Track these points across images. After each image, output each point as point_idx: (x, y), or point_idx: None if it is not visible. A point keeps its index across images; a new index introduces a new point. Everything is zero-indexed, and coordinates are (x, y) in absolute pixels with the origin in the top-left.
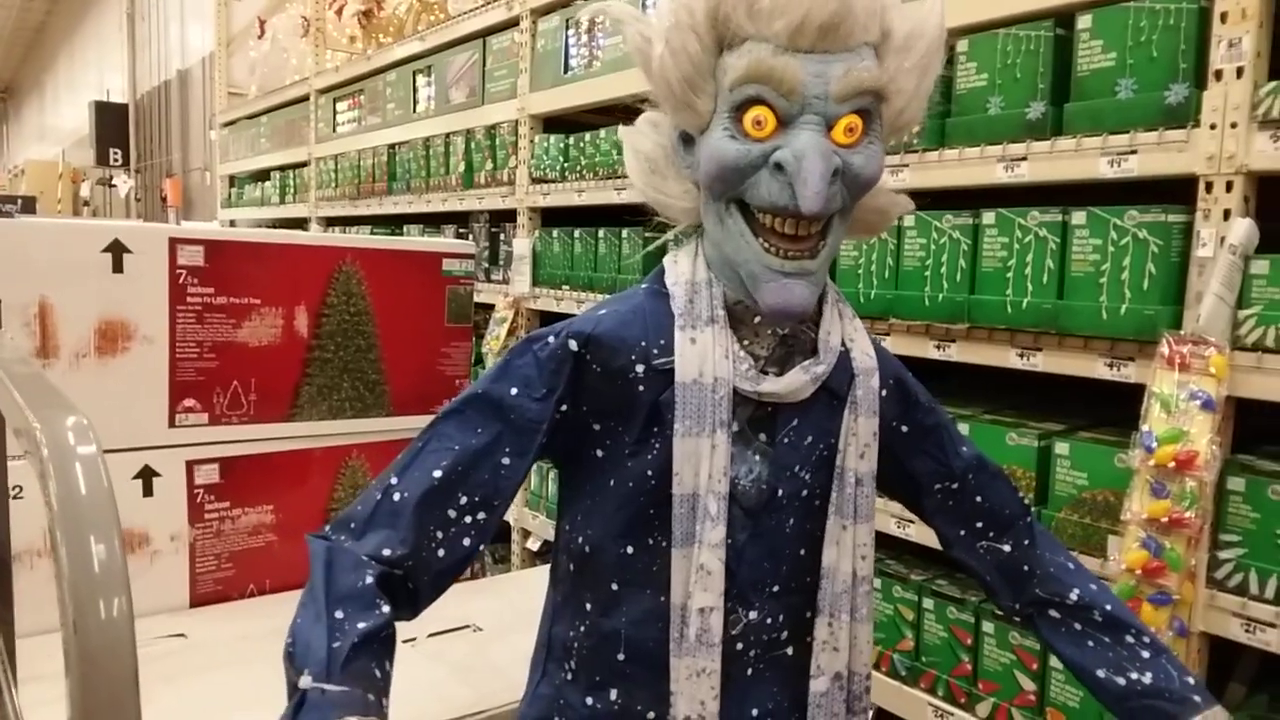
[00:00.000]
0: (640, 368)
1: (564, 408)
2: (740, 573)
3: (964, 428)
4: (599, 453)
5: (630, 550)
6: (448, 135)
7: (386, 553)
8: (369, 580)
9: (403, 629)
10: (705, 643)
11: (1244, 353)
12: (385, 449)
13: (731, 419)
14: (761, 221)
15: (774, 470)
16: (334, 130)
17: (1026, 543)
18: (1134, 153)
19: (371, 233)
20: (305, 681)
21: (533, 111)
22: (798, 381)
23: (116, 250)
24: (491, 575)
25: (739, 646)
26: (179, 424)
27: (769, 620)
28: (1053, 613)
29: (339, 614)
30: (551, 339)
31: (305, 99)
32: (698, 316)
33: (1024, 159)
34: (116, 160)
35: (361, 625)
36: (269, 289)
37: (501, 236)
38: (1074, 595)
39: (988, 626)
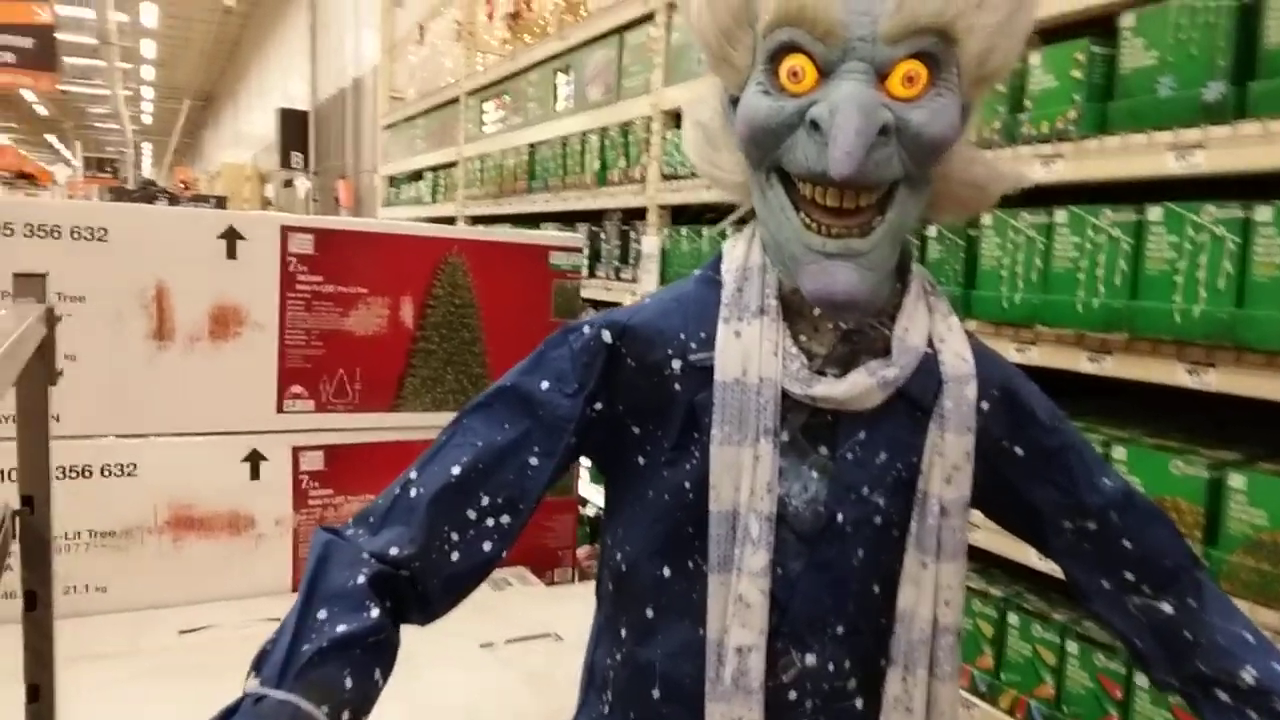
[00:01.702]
0: (677, 363)
1: (598, 405)
2: (793, 608)
3: (1120, 453)
4: (640, 459)
5: (667, 573)
6: (584, 133)
7: (394, 551)
8: (360, 580)
9: (481, 632)
10: (743, 688)
11: None
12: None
13: (780, 426)
14: (803, 193)
15: (834, 490)
16: (481, 130)
17: (1192, 603)
18: None
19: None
20: (250, 685)
21: (665, 107)
22: (861, 385)
23: (231, 237)
24: (583, 581)
25: (792, 695)
26: (286, 410)
27: (832, 666)
28: (1221, 695)
29: (321, 614)
30: (587, 329)
31: (456, 101)
32: (745, 307)
33: (1199, 146)
34: (298, 164)
35: (341, 628)
36: (376, 278)
37: (632, 235)
38: (1250, 676)
39: (1142, 680)
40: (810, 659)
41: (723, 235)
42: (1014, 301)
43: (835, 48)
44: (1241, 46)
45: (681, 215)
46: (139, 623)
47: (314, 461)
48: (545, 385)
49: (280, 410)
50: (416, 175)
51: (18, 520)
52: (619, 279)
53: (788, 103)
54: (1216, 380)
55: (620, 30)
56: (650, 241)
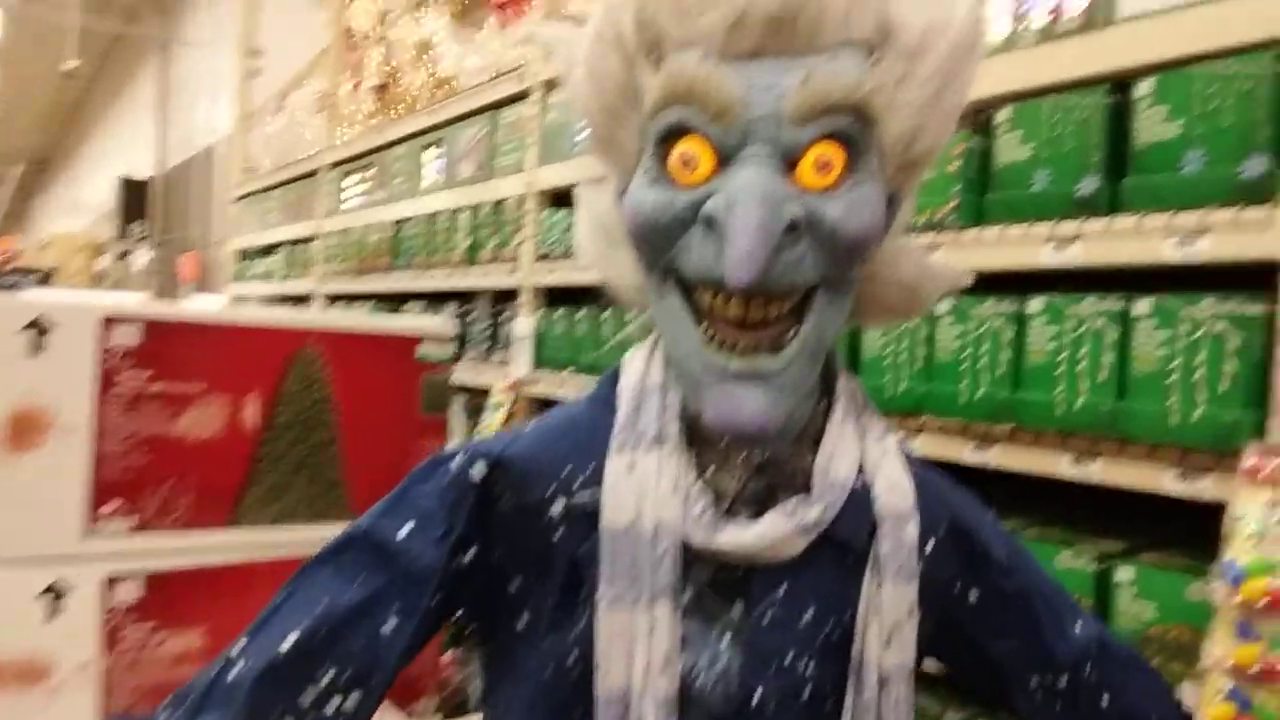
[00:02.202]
0: (559, 504)
1: (469, 554)
2: None
3: None
4: (519, 623)
5: None
6: (454, 211)
7: None
8: None
9: None
10: None
11: None
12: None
13: (682, 583)
14: (701, 302)
15: (750, 661)
16: (341, 205)
17: None
18: (1205, 233)
19: (373, 309)
20: None
21: (540, 187)
22: (777, 531)
23: (38, 329)
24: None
25: None
26: (98, 531)
27: None
28: None
29: None
30: (456, 461)
31: (315, 173)
32: (641, 434)
33: (1076, 239)
34: (138, 234)
35: None
36: (216, 374)
37: (504, 316)
38: None
39: None
40: None
41: (597, 320)
42: (898, 391)
43: (733, 129)
44: (1113, 143)
45: (557, 297)
46: None
47: (130, 592)
48: (406, 530)
49: (91, 532)
50: (269, 249)
51: None
52: (489, 361)
53: (679, 195)
54: (1100, 471)
55: (493, 107)
56: (523, 323)
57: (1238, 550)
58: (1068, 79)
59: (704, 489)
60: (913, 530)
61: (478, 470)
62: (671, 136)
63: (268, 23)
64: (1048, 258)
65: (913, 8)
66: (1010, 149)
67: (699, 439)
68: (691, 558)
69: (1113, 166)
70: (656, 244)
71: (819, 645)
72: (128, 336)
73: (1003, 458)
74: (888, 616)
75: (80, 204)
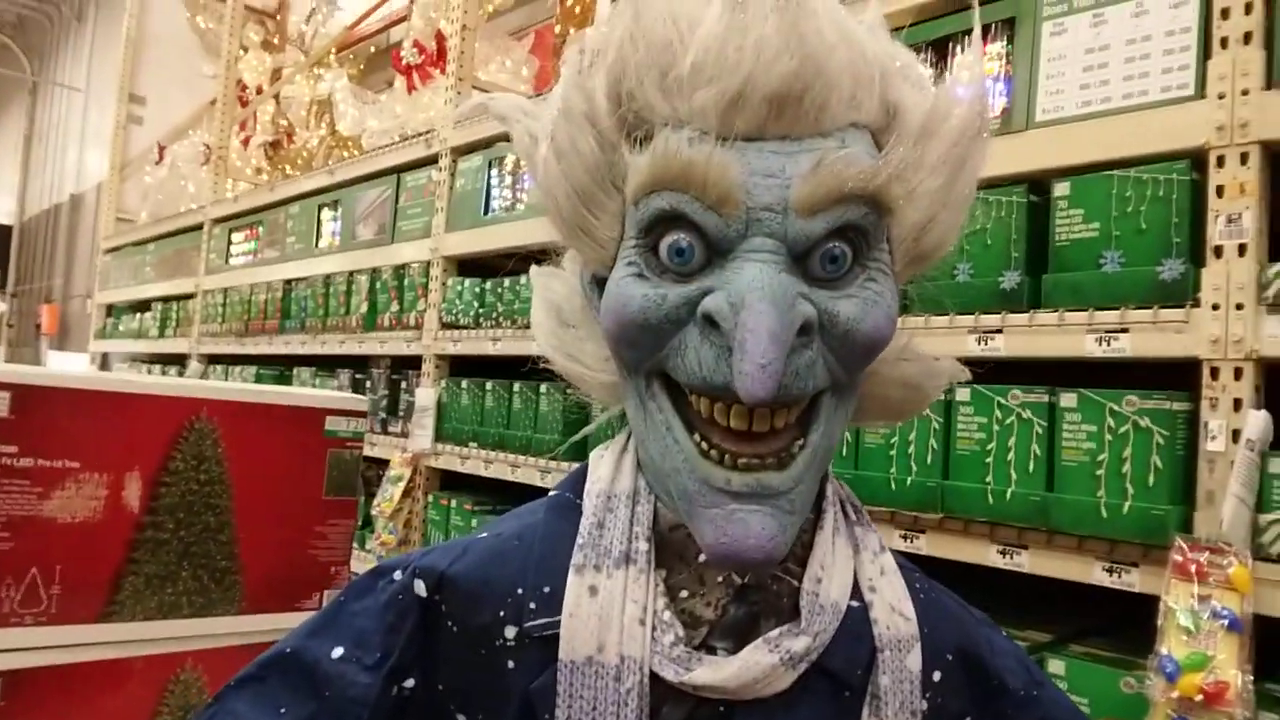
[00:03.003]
0: (511, 630)
1: (408, 684)
2: None
3: None
4: None
5: None
6: (351, 273)
7: None
8: None
9: None
10: None
11: (1268, 564)
12: (231, 657)
13: None
14: (697, 409)
15: None
16: (226, 262)
17: None
18: (1125, 331)
19: (258, 374)
20: None
21: (447, 253)
22: (759, 667)
23: None
24: None
25: None
26: None
27: None
28: None
29: None
30: (397, 576)
31: (199, 228)
32: (606, 551)
33: (999, 331)
34: None
35: None
36: (93, 449)
37: (404, 385)
38: None
39: None
40: None
41: (508, 393)
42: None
43: (734, 220)
44: (1033, 239)
45: (461, 367)
46: None
47: None
48: (338, 653)
49: None
50: (143, 305)
51: None
52: (386, 432)
53: (671, 290)
54: (1029, 562)
55: (398, 170)
56: (425, 394)
57: (1172, 644)
58: (987, 177)
59: (674, 617)
60: (916, 659)
61: (420, 588)
62: (660, 224)
63: (149, 70)
64: (972, 348)
65: (915, 89)
66: None
67: (671, 554)
68: (663, 694)
69: (1034, 262)
70: (643, 345)
71: None
72: None
73: (931, 546)
74: None
75: None
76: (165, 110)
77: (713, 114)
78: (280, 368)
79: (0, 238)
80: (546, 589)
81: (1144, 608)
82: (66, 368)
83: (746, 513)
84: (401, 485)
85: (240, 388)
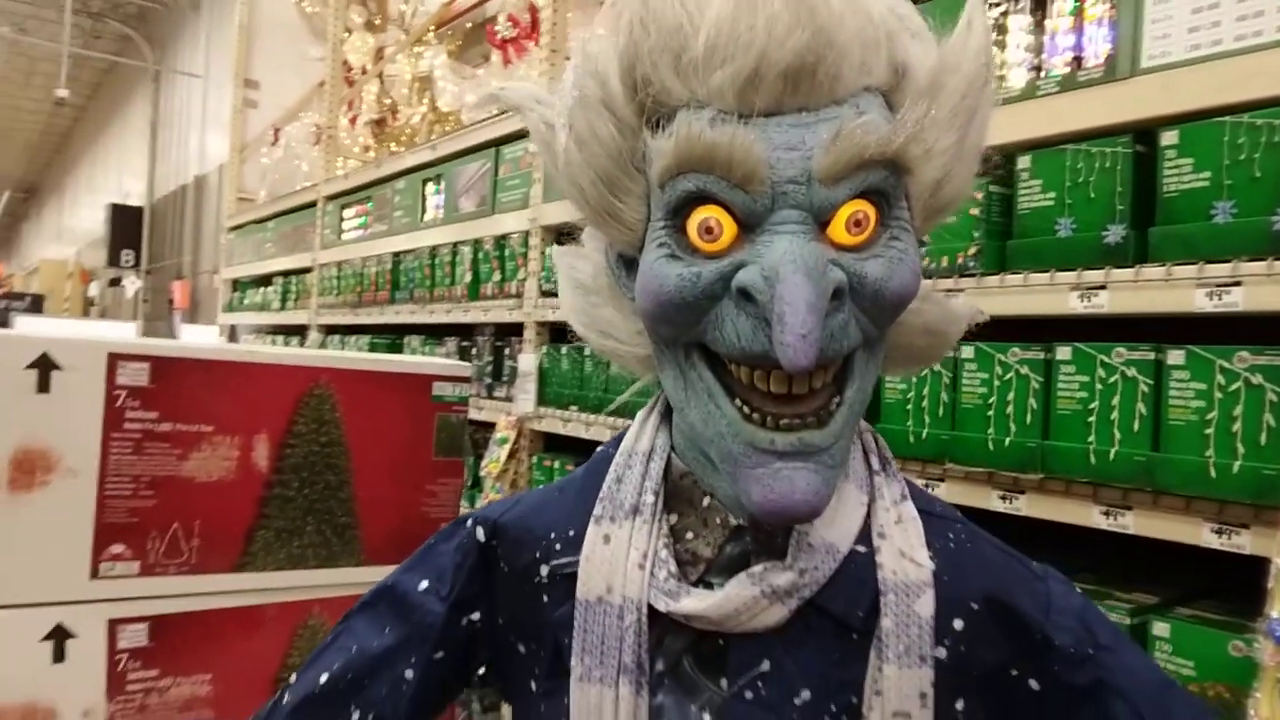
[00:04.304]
0: (544, 569)
1: (474, 616)
2: None
3: None
4: (534, 686)
5: None
6: (455, 244)
7: None
8: None
9: None
10: None
11: None
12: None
13: (651, 656)
14: (737, 375)
15: None
16: (339, 237)
17: None
18: (1237, 284)
19: (371, 343)
20: None
21: (545, 222)
22: (739, 598)
23: (43, 366)
24: None
25: None
26: (103, 574)
27: None
28: None
29: None
30: (467, 524)
31: (313, 205)
32: (621, 504)
33: (1103, 287)
34: (128, 261)
35: None
36: (225, 414)
37: (506, 351)
38: None
39: None
40: None
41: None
42: (921, 437)
43: (760, 195)
44: (1140, 191)
45: (561, 333)
46: None
47: (136, 636)
48: (423, 585)
49: (95, 575)
50: (265, 280)
51: None
52: (491, 397)
53: (704, 267)
54: (1133, 523)
55: (495, 144)
56: (527, 359)
57: None
58: (1090, 127)
59: (670, 555)
60: (927, 604)
61: (480, 534)
62: (688, 205)
63: (262, 56)
64: (1074, 305)
65: (920, 47)
66: (1032, 196)
67: (681, 502)
68: (667, 628)
69: (1140, 215)
70: (681, 321)
71: None
72: (135, 375)
73: (1031, 507)
74: (890, 703)
75: (67, 231)
76: (278, 93)
77: (730, 94)
78: (392, 336)
79: (133, 219)
80: (572, 533)
81: (1255, 570)
82: (198, 340)
83: (791, 470)
84: (507, 447)
85: (355, 356)
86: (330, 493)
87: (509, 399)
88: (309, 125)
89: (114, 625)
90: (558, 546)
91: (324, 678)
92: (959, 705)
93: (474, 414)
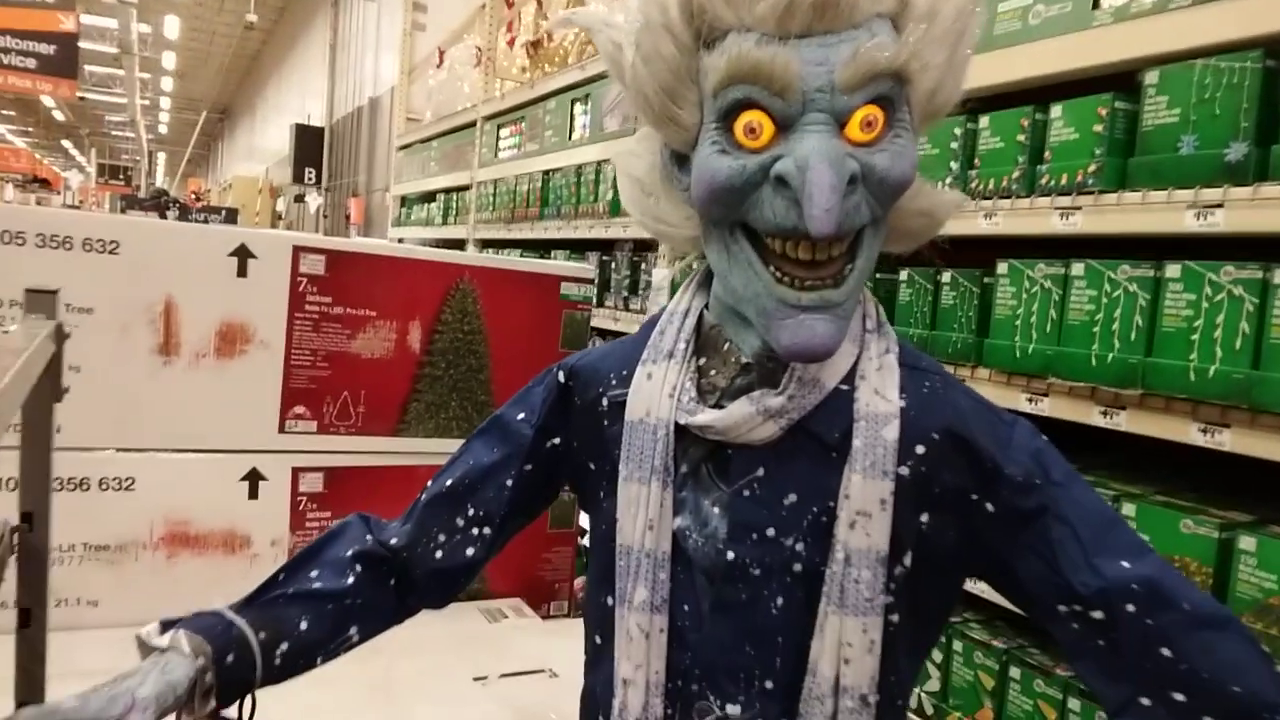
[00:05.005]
0: (605, 400)
1: (555, 440)
2: (704, 652)
3: (1130, 509)
4: (600, 492)
5: (609, 601)
6: (599, 163)
7: (394, 541)
8: (349, 553)
9: (476, 665)
10: None
11: None
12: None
13: (677, 461)
14: (771, 247)
15: (732, 528)
16: (496, 156)
17: None
18: None
19: (521, 255)
20: (215, 604)
21: None
22: (740, 414)
23: (242, 255)
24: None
25: None
26: (288, 430)
27: None
28: None
29: (313, 573)
30: (553, 370)
31: (472, 125)
32: (660, 350)
33: (1219, 205)
34: (310, 179)
35: (318, 585)
36: (385, 301)
37: (643, 265)
38: None
39: (1074, 704)
40: (733, 709)
41: None
42: (1027, 352)
43: (793, 101)
44: (1265, 108)
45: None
46: (129, 640)
47: (313, 483)
48: (520, 416)
49: (282, 430)
50: (429, 196)
51: (16, 536)
52: (627, 309)
53: (749, 160)
54: (1230, 440)
55: None
56: (660, 273)
57: None
58: (1220, 42)
59: (693, 385)
60: (892, 431)
61: (561, 376)
62: (735, 110)
63: None
64: (1189, 224)
65: None
66: (1157, 113)
67: (708, 347)
68: (691, 441)
69: (1264, 132)
70: (729, 203)
71: (807, 527)
72: (314, 265)
73: (1131, 423)
74: (855, 504)
75: (257, 150)
76: (443, 16)
77: (770, 20)
78: (540, 251)
79: (315, 139)
80: (625, 372)
81: None
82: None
83: (813, 320)
84: None
85: (494, 258)
86: (471, 374)
87: (643, 311)
88: (471, 47)
89: (296, 472)
90: (614, 382)
91: (449, 482)
92: (923, 518)
93: (611, 324)
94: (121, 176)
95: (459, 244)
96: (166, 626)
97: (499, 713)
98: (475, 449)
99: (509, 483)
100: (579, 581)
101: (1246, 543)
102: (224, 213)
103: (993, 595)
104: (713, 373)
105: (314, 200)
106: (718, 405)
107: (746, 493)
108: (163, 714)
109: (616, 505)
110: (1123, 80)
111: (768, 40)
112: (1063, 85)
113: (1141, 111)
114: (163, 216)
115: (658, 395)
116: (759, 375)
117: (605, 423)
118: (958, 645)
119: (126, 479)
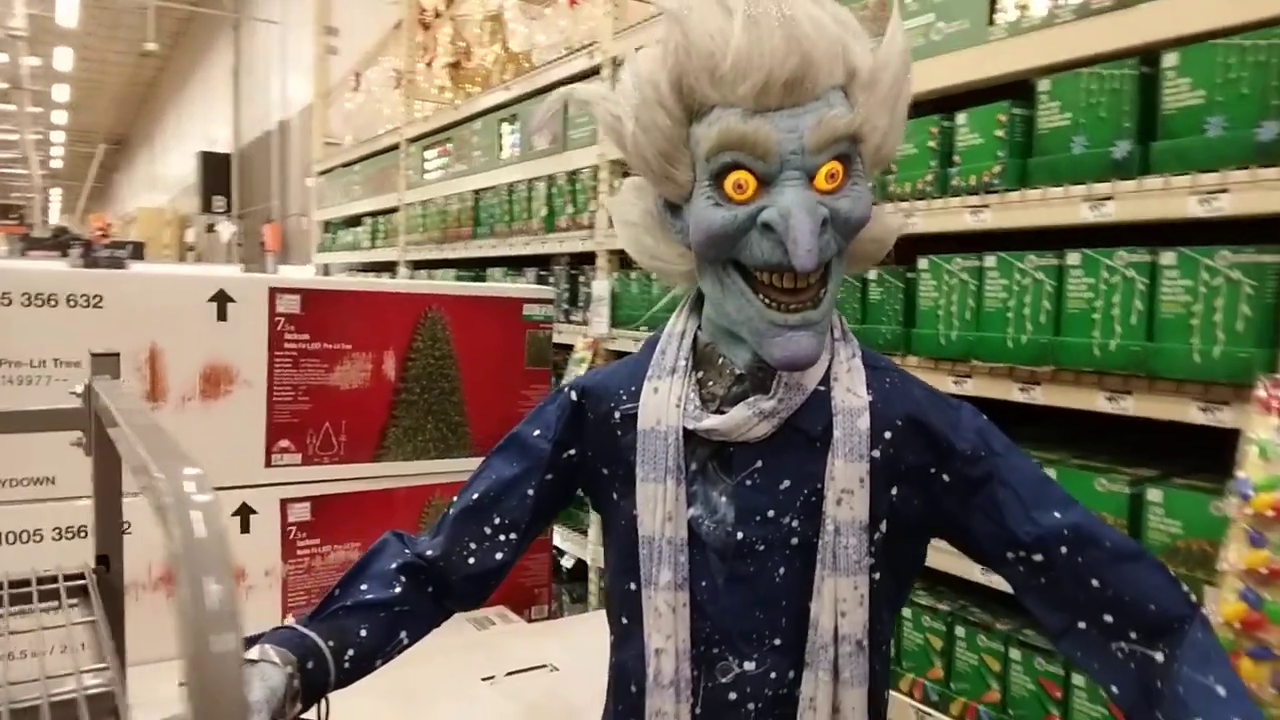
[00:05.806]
0: (618, 414)
1: (571, 452)
2: (721, 620)
3: (1050, 474)
4: (614, 495)
5: (632, 586)
6: (530, 181)
7: (429, 553)
8: (394, 566)
9: (483, 667)
10: (659, 684)
11: None
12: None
13: (687, 461)
14: (760, 279)
15: (739, 513)
16: (423, 177)
17: (1175, 651)
18: (1225, 191)
19: (457, 275)
20: (288, 621)
21: (612, 157)
22: (739, 416)
23: (221, 299)
24: (569, 615)
25: (732, 696)
26: (274, 464)
27: (774, 674)
28: None
29: (363, 586)
30: (565, 389)
31: (396, 148)
32: (664, 368)
33: (1110, 198)
34: (220, 207)
35: (370, 596)
36: (360, 334)
37: (581, 278)
38: None
39: (1079, 680)
40: (749, 666)
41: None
42: (950, 339)
43: (773, 163)
44: (1144, 110)
45: (630, 260)
46: (137, 679)
47: (301, 512)
48: (536, 433)
49: (269, 464)
50: (354, 220)
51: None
52: (569, 321)
53: (738, 211)
54: (1133, 406)
55: (565, 83)
56: (601, 285)
57: (1249, 469)
58: (1102, 52)
59: (696, 396)
60: (864, 421)
61: (573, 395)
62: (725, 171)
63: (338, 1)
64: (1085, 215)
65: (861, 52)
66: (1050, 117)
67: (705, 363)
68: (698, 443)
69: (1143, 131)
70: (723, 245)
71: (799, 506)
72: (290, 305)
73: (1046, 397)
74: (839, 483)
75: (159, 179)
76: (355, 39)
77: (750, 98)
78: (475, 269)
79: (222, 166)
80: (634, 388)
81: (1236, 450)
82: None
83: (799, 336)
84: (585, 365)
85: (459, 285)
86: (445, 397)
87: (585, 322)
88: (388, 70)
89: (284, 504)
90: (624, 397)
91: (474, 496)
92: (894, 492)
93: (554, 337)
94: (14, 216)
95: (389, 266)
96: (249, 643)
97: (513, 707)
98: (496, 465)
99: (530, 492)
100: None
101: (1154, 495)
102: (130, 247)
103: (934, 563)
104: (711, 384)
105: (226, 229)
106: (719, 411)
107: (748, 482)
108: (272, 716)
109: (634, 503)
110: (1018, 88)
111: (748, 115)
112: (965, 95)
113: (1036, 116)
114: (64, 255)
115: (666, 406)
116: (752, 383)
117: (619, 433)
118: (907, 612)
119: (124, 522)
